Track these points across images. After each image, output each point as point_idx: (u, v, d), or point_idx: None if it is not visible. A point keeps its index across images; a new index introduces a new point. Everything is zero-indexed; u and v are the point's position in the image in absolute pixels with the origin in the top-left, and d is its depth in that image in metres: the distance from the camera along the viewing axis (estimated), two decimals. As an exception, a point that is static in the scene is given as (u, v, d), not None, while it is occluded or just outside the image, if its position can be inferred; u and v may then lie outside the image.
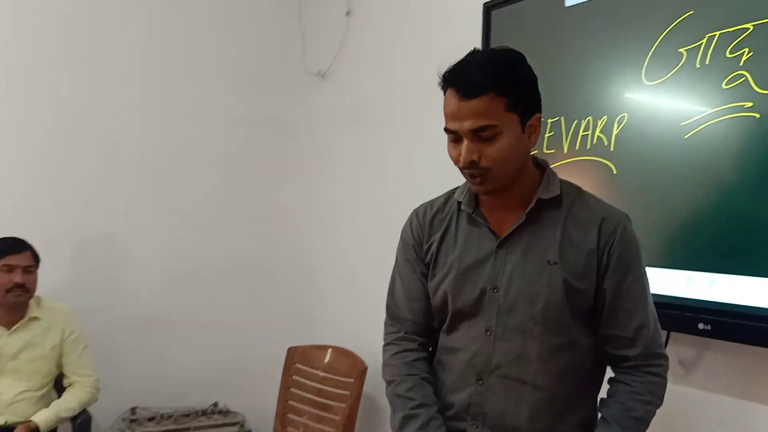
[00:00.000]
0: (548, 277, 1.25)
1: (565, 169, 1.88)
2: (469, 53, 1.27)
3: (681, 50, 1.61)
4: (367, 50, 3.13)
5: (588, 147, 1.84)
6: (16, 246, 2.40)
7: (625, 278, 1.26)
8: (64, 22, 3.03)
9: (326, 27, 3.36)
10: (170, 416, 3.07)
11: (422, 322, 1.42)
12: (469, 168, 1.24)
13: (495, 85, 1.19)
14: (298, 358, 2.72)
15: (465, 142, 1.22)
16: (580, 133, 1.85)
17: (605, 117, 1.79)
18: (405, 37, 2.86)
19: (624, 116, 1.75)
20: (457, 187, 1.41)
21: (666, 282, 1.62)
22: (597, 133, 1.81)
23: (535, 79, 1.28)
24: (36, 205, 2.96)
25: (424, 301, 1.41)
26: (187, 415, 3.10)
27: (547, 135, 1.95)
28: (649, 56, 1.69)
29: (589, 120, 1.84)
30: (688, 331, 1.58)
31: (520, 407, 1.27)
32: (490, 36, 2.16)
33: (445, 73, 1.24)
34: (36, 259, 2.46)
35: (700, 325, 1.52)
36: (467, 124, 1.20)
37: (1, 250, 2.37)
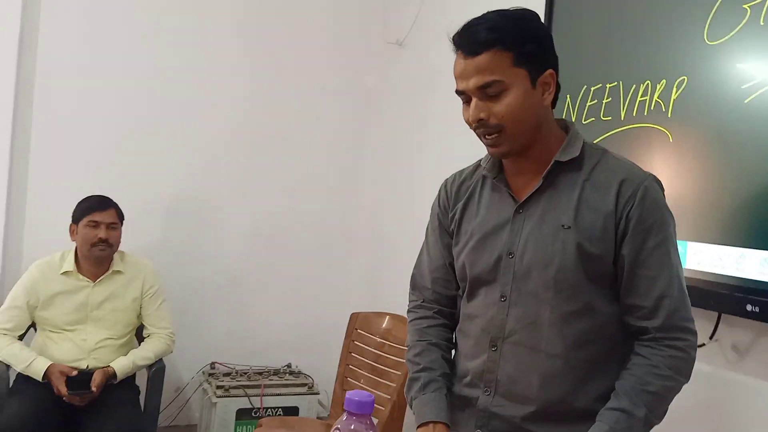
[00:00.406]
0: (562, 242, 1.21)
1: (620, 137, 1.78)
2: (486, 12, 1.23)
3: (745, 6, 1.47)
4: (442, 18, 3.07)
5: (645, 113, 1.72)
6: (101, 204, 2.59)
7: (645, 243, 1.18)
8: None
9: (405, -6, 3.34)
10: (245, 373, 3.24)
11: (441, 291, 1.42)
12: (479, 127, 1.22)
13: (499, 41, 1.17)
14: (359, 323, 2.76)
15: (473, 101, 1.20)
16: (638, 99, 1.74)
17: (664, 81, 1.68)
18: (480, 5, 2.80)
19: (683, 79, 1.63)
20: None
21: (717, 260, 1.51)
22: (655, 98, 1.70)
23: (548, 35, 1.25)
24: (132, 170, 3.20)
25: (446, 271, 1.41)
26: (260, 373, 3.26)
27: (605, 101, 1.85)
28: (712, 13, 1.56)
29: (647, 84, 1.72)
30: (736, 313, 1.46)
31: (531, 375, 1.23)
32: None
33: (454, 35, 1.22)
34: (120, 216, 2.64)
35: (748, 307, 1.40)
36: (473, 82, 1.18)
37: (88, 207, 2.57)
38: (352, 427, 1.11)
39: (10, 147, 2.96)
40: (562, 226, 1.21)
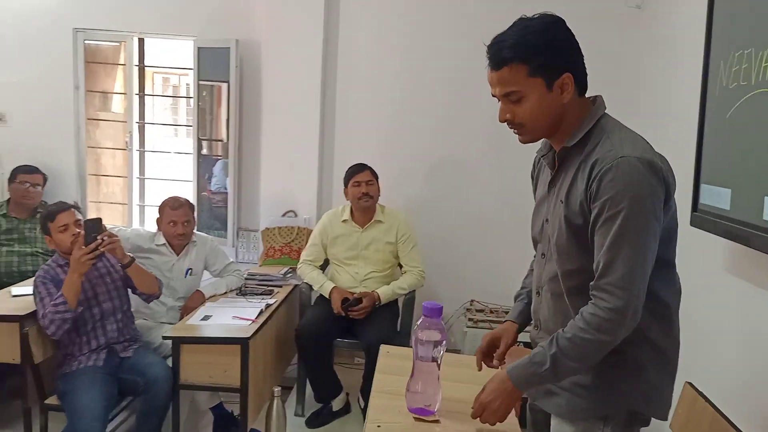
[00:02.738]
0: (560, 214, 1.49)
1: (751, 101, 1.87)
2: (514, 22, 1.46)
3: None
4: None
5: (768, 78, 1.79)
6: (359, 167, 3.46)
7: (600, 214, 1.37)
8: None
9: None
10: (495, 311, 3.82)
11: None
12: (507, 124, 1.51)
13: (516, 56, 1.41)
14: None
15: (500, 104, 1.49)
16: (763, 65, 1.81)
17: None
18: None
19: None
20: None
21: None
22: (776, 63, 1.76)
23: (568, 42, 1.45)
24: (402, 138, 3.99)
25: None
26: (507, 312, 3.79)
27: (743, 66, 1.93)
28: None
29: (769, 51, 1.78)
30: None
31: (556, 315, 1.56)
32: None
33: (487, 48, 1.47)
34: (374, 174, 3.46)
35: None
36: (497, 90, 1.47)
37: (351, 173, 3.46)
38: (427, 326, 1.65)
39: (320, 124, 3.98)
40: (560, 201, 1.50)
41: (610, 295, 1.37)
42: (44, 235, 2.92)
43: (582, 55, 1.48)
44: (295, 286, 3.58)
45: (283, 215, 4.01)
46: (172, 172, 4.70)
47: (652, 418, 1.53)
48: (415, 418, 1.64)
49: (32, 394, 2.83)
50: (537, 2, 3.63)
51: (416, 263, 3.46)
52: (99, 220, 2.83)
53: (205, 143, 4.19)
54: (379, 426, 1.59)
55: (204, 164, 4.21)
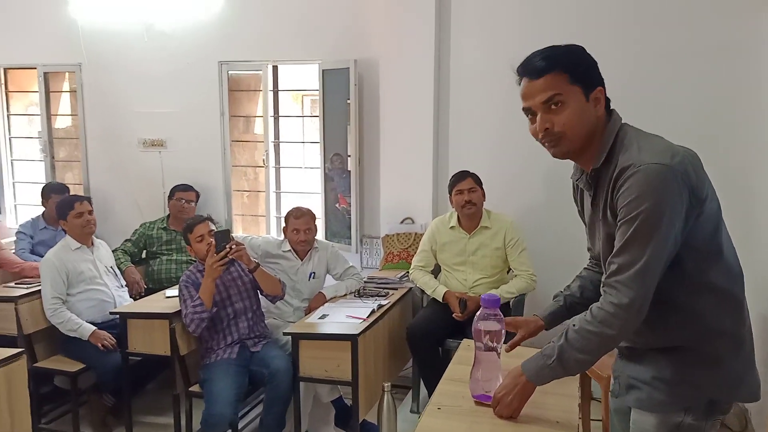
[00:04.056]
0: (605, 231, 1.55)
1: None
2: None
3: None
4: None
5: None
6: (461, 176, 3.57)
7: (622, 218, 1.43)
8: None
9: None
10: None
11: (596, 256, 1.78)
12: (545, 136, 1.53)
13: (556, 65, 1.49)
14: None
15: (539, 115, 1.52)
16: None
17: None
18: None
19: None
20: None
21: None
22: None
23: (593, 62, 1.53)
24: (514, 146, 4.03)
25: None
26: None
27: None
28: None
29: None
30: None
31: None
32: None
33: (518, 67, 1.56)
34: (477, 181, 3.55)
35: None
36: (538, 99, 1.51)
37: (454, 182, 3.58)
38: (485, 317, 1.76)
39: (433, 135, 4.14)
40: (601, 219, 1.56)
41: (618, 292, 1.44)
42: (186, 245, 3.36)
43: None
44: (410, 288, 3.77)
45: (401, 222, 4.22)
46: (308, 185, 5.07)
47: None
48: (476, 402, 1.76)
49: (180, 384, 3.26)
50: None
51: (526, 267, 3.50)
52: (227, 231, 3.22)
53: (340, 158, 4.49)
54: (439, 408, 1.73)
55: (343, 177, 4.48)
